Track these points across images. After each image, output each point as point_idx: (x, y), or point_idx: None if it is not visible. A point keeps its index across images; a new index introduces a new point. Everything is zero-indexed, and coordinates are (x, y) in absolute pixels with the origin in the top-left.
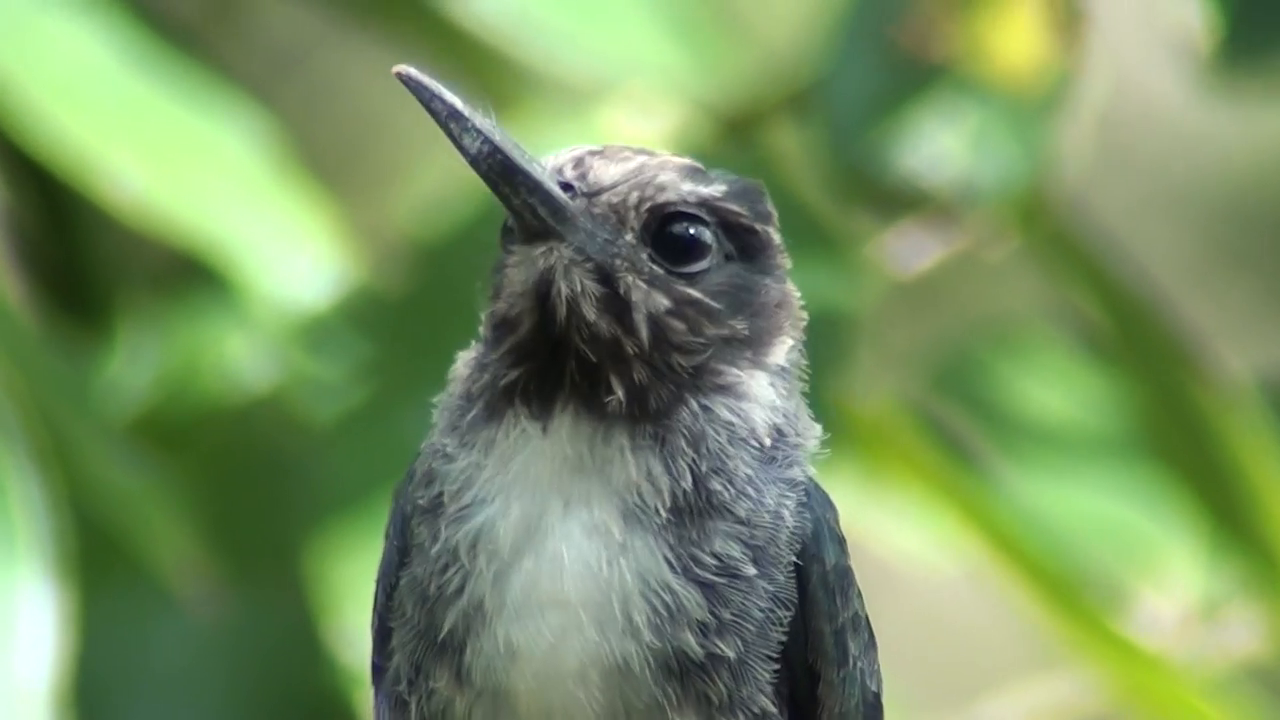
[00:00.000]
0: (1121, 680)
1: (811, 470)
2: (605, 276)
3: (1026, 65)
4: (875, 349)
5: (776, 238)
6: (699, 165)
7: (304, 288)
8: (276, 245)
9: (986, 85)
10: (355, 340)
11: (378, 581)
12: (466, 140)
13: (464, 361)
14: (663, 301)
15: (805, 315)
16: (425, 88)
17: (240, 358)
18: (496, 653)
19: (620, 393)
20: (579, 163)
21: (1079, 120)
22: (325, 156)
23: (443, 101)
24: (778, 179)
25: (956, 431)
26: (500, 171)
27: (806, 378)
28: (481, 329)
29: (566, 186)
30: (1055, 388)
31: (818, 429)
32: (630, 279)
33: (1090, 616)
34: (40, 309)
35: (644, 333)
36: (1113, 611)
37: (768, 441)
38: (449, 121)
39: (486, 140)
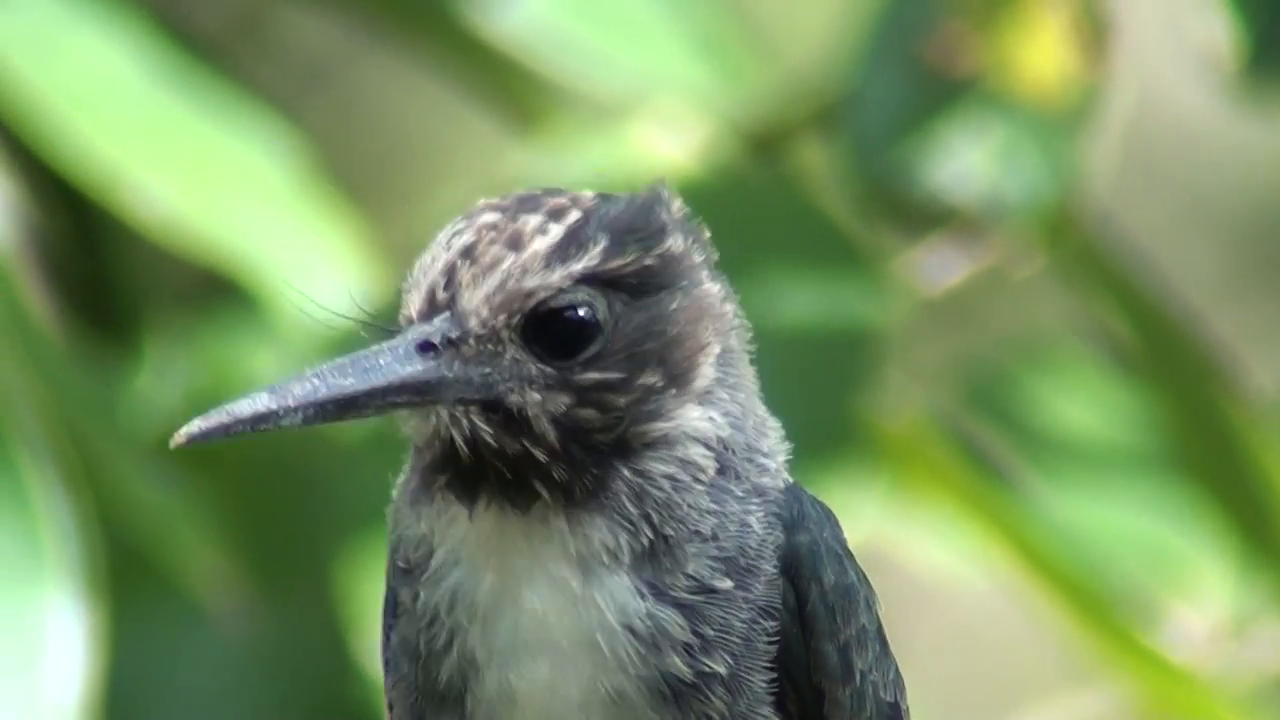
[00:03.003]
0: (1152, 695)
1: (785, 477)
2: (495, 404)
3: (1054, 80)
4: (904, 365)
5: (680, 245)
6: (574, 225)
7: (331, 303)
8: (304, 261)
9: (1013, 100)
10: None
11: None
12: (288, 421)
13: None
14: (563, 400)
15: (729, 308)
16: (218, 427)
17: (268, 373)
18: (497, 698)
19: (545, 495)
20: (449, 282)
21: (1106, 135)
22: (353, 172)
23: (243, 421)
24: (805, 195)
25: (987, 447)
26: (344, 407)
27: (750, 348)
28: None
29: (427, 346)
30: (1085, 403)
31: (775, 423)
32: (521, 396)
33: (1121, 631)
34: (68, 326)
35: (552, 436)
36: (1143, 626)
37: (714, 469)
38: (259, 425)
39: (310, 405)
